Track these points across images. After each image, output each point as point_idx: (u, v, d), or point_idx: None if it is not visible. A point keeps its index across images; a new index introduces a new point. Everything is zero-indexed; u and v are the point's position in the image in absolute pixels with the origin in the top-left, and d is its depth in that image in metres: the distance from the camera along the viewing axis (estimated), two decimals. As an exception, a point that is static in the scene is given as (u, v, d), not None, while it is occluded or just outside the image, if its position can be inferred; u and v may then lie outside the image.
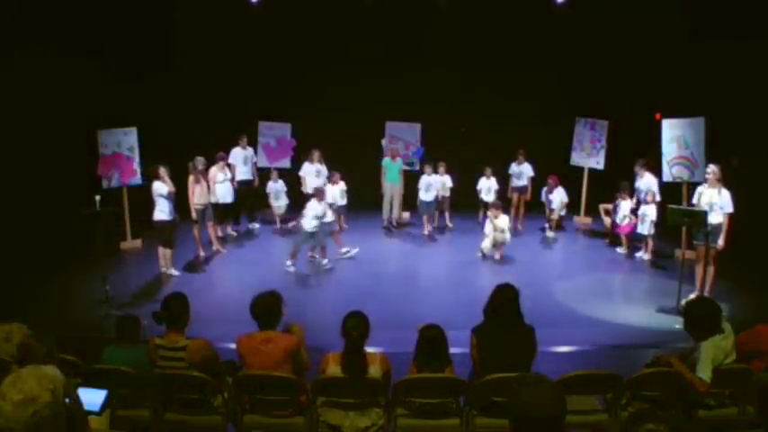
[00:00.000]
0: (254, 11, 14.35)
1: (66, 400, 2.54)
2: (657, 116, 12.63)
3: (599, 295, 10.50)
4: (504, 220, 12.07)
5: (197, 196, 11.90)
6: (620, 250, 12.55)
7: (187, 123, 14.28)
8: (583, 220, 14.95)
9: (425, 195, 13.79)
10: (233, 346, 5.45)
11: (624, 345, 8.43)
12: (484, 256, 12.05)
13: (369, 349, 5.27)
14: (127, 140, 12.68)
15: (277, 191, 14.14)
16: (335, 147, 14.25)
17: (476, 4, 14.73)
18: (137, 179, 12.76)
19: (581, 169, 14.82)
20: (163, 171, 10.89)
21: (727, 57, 11.78)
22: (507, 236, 12.03)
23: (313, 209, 11.28)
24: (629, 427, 3.24)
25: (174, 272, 11.20)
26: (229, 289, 10.82)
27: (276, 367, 5.19)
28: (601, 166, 14.48)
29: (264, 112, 14.88)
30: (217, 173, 12.86)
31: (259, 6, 14.31)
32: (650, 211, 11.92)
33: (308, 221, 11.23)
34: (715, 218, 9.39)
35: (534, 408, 2.71)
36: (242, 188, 13.82)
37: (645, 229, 12.01)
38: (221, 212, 13.27)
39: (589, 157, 14.69)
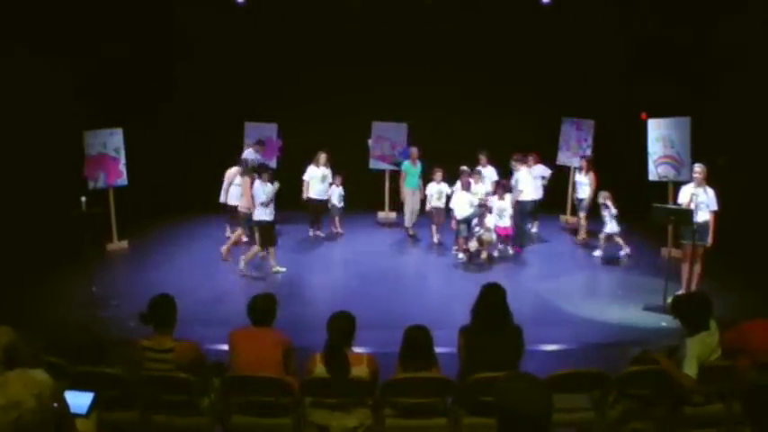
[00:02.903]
0: (240, 10, 14.32)
1: (54, 405, 2.53)
2: (643, 116, 12.71)
3: (585, 293, 10.58)
4: (505, 201, 12.09)
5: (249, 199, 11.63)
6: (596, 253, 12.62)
7: (173, 124, 14.25)
8: (569, 218, 14.98)
9: (438, 203, 13.05)
10: (221, 347, 5.46)
11: (611, 343, 8.46)
12: (470, 257, 12.04)
13: (356, 350, 5.29)
14: (113, 141, 12.61)
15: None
16: (321, 146, 14.18)
17: (462, 4, 14.77)
18: (123, 180, 12.71)
19: (568, 169, 14.87)
20: (266, 174, 11.05)
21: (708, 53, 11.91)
22: (493, 236, 12.06)
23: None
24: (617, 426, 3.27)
25: (282, 268, 11.25)
26: (215, 291, 10.76)
27: (267, 362, 5.22)
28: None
29: (251, 112, 14.83)
30: (236, 175, 12.60)
31: (245, 6, 14.27)
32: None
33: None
34: (701, 216, 9.50)
35: (521, 407, 2.71)
36: None
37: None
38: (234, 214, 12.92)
39: (576, 156, 14.74)
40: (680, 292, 9.54)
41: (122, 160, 12.72)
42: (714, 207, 9.58)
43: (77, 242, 9.68)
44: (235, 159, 12.84)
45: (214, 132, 14.62)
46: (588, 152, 14.15)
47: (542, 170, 13.68)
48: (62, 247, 10.55)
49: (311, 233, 13.60)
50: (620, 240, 12.22)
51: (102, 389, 4.56)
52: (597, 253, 12.45)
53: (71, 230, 9.62)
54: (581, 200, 13.14)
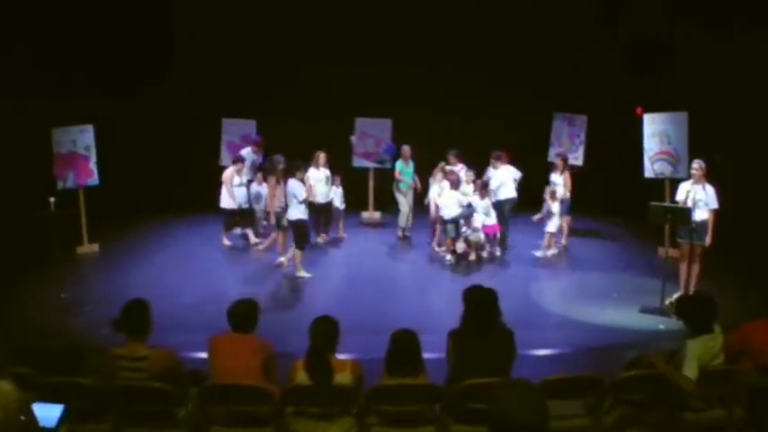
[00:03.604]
0: (221, 5, 14.26)
1: (21, 418, 2.52)
2: (639, 110, 12.77)
3: (579, 295, 10.59)
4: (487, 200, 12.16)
5: (279, 199, 11.67)
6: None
7: (146, 121, 14.19)
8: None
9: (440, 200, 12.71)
10: (199, 354, 5.44)
11: (606, 346, 8.48)
12: (458, 258, 12.06)
13: (340, 356, 5.28)
14: (83, 139, 12.53)
15: (259, 193, 13.61)
16: (303, 144, 14.13)
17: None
18: (94, 180, 12.63)
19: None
20: (302, 173, 11.15)
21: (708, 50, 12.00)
22: (481, 236, 12.08)
23: None
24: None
25: (308, 273, 11.23)
26: (192, 296, 10.72)
27: (248, 369, 5.21)
28: (580, 162, 14.57)
29: (228, 109, 14.77)
30: (233, 176, 12.69)
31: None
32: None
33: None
34: (699, 214, 9.54)
35: (516, 415, 2.67)
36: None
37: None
38: (232, 218, 12.99)
39: (568, 153, 14.77)
40: (678, 294, 9.63)
41: (93, 159, 12.63)
42: (714, 205, 9.59)
43: (46, 245, 9.61)
44: (232, 160, 12.79)
45: (190, 130, 14.58)
46: (580, 149, 14.22)
47: (513, 172, 13.19)
48: (29, 250, 10.49)
49: (319, 239, 13.30)
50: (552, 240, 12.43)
51: (73, 400, 4.56)
52: (539, 253, 12.53)
53: (39, 233, 9.55)
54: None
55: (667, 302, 9.52)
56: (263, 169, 12.66)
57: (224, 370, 5.32)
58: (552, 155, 14.95)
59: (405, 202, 13.56)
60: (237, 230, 13.25)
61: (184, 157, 14.56)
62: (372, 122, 14.85)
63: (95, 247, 12.73)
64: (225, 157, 14.63)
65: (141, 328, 5.37)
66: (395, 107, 14.72)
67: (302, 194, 10.98)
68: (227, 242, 13.01)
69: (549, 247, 12.46)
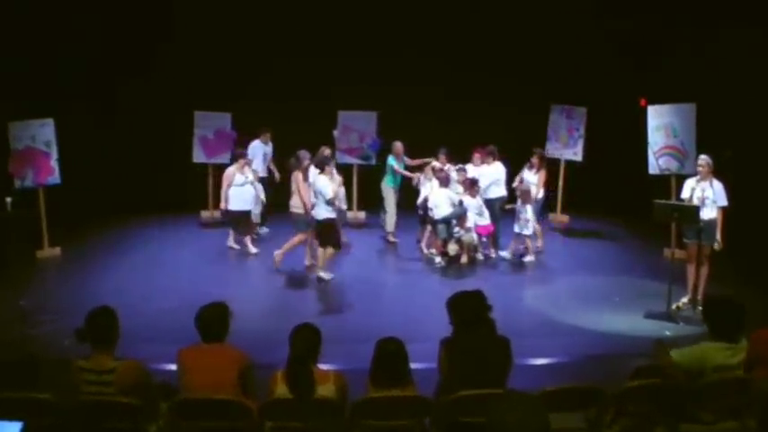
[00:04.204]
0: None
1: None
2: (642, 102, 12.83)
3: (579, 300, 10.61)
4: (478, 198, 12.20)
5: (306, 198, 11.50)
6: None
7: (112, 114, 14.14)
8: (560, 218, 15.09)
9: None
10: (170, 367, 5.42)
11: (608, 354, 8.53)
12: (450, 261, 12.08)
13: (322, 366, 5.28)
14: (43, 134, 12.44)
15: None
16: (282, 139, 14.11)
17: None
18: (55, 178, 12.55)
19: (557, 161, 14.96)
20: (330, 168, 11.13)
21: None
22: (474, 236, 12.11)
23: None
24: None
25: (330, 275, 11.23)
26: (163, 303, 10.67)
27: (222, 383, 5.18)
28: (579, 158, 14.65)
29: (201, 101, 14.74)
30: (235, 174, 12.56)
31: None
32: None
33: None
34: (708, 213, 9.57)
35: (517, 429, 2.70)
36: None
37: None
38: (237, 222, 12.84)
39: (566, 147, 14.85)
40: (685, 299, 9.72)
41: (54, 155, 12.55)
42: (723, 202, 9.65)
43: (2, 249, 9.56)
44: (232, 156, 12.65)
45: (160, 123, 14.52)
46: (579, 143, 14.27)
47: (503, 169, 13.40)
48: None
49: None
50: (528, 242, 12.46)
51: (32, 417, 4.53)
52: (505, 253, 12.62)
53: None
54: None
55: (674, 307, 9.58)
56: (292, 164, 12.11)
57: (196, 385, 5.28)
58: (550, 150, 15.01)
59: (393, 203, 13.57)
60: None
61: (155, 153, 14.50)
62: (356, 115, 14.83)
63: (57, 250, 12.65)
64: (198, 153, 14.61)
65: (107, 338, 5.33)
66: (379, 101, 14.76)
67: (330, 192, 10.97)
68: (234, 245, 12.92)
69: (526, 251, 12.46)
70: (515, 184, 12.81)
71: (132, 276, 11.57)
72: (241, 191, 12.58)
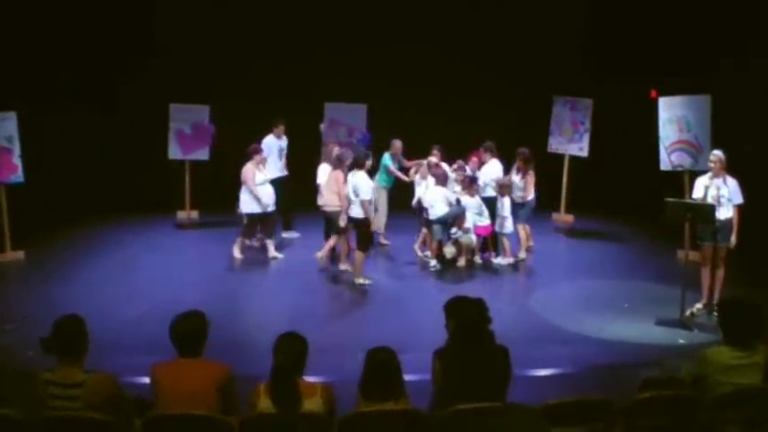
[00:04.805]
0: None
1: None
2: (653, 93, 12.85)
3: (584, 306, 10.61)
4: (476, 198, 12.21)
5: (342, 196, 11.46)
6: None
7: (79, 107, 14.10)
8: (563, 218, 15.12)
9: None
10: (143, 379, 5.40)
11: (616, 364, 8.52)
12: (446, 264, 12.09)
13: (309, 378, 5.27)
14: (4, 128, 12.38)
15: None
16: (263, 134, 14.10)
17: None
18: (18, 176, 12.47)
19: (561, 157, 14.99)
20: (367, 165, 11.27)
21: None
22: (473, 238, 12.12)
23: None
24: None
25: (369, 280, 11.32)
26: (136, 311, 10.64)
27: (200, 400, 5.17)
28: (585, 153, 14.67)
29: (177, 93, 14.74)
30: (254, 173, 12.34)
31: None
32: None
33: None
34: (723, 212, 9.57)
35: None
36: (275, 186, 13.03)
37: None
38: (253, 224, 12.75)
39: (570, 142, 14.87)
40: (699, 305, 9.73)
41: (17, 152, 12.47)
42: (738, 200, 9.66)
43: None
44: (248, 152, 12.45)
45: (133, 117, 14.50)
46: (585, 138, 14.29)
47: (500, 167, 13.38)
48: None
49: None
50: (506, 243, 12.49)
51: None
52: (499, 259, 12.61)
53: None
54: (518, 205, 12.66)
55: (688, 313, 9.60)
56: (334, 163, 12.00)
57: (172, 403, 5.25)
58: (553, 145, 15.04)
59: (384, 203, 13.57)
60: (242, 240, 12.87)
61: (128, 149, 14.49)
62: (344, 108, 14.77)
63: (20, 254, 12.61)
64: (173, 149, 14.59)
65: (75, 348, 5.30)
66: (369, 95, 14.72)
67: (368, 190, 11.07)
68: (238, 254, 12.68)
69: (505, 253, 12.48)
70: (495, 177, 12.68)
71: (103, 282, 11.52)
72: (261, 190, 12.41)
